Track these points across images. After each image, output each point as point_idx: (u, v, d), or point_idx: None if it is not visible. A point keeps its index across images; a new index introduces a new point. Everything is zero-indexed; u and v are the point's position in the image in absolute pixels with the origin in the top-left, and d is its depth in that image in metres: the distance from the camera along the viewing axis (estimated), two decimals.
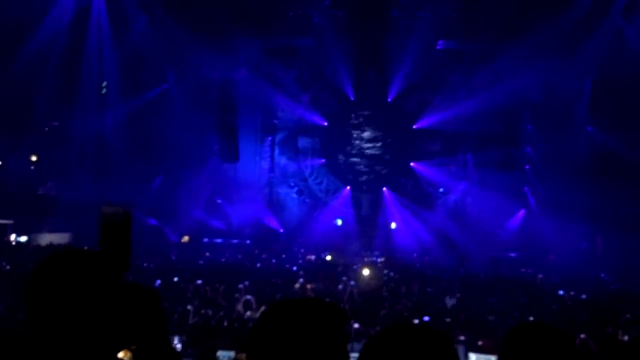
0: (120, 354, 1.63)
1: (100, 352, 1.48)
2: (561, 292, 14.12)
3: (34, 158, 22.46)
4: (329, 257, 19.86)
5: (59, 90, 20.53)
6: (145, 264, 15.67)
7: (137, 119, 22.50)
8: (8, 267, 14.16)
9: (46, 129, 22.17)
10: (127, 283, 1.53)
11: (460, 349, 8.13)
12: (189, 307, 10.11)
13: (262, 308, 10.09)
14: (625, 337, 8.73)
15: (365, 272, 15.90)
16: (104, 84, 22.89)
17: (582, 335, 8.40)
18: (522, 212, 23.78)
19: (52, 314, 1.44)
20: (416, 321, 9.62)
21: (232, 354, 7.58)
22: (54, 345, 1.44)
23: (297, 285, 13.46)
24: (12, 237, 20.49)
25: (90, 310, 1.44)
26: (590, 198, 21.01)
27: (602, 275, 18.44)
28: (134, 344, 1.52)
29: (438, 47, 23.99)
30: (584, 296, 13.73)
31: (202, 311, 10.12)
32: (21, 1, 18.56)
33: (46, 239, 20.49)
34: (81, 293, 1.45)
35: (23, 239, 20.59)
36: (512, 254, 22.70)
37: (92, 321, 1.45)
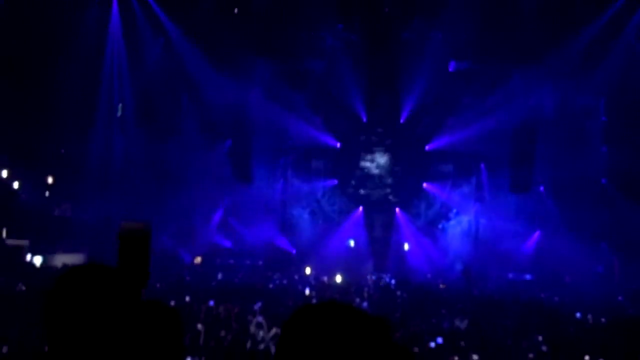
0: None
1: None
2: (578, 315, 13.89)
3: (50, 180, 22.72)
4: (338, 278, 19.79)
5: (76, 114, 20.87)
6: (158, 285, 15.68)
7: (152, 141, 22.74)
8: (24, 288, 14.27)
9: (62, 151, 22.46)
10: (147, 300, 1.54)
11: None
12: (199, 327, 10.07)
13: (274, 330, 10.03)
14: None
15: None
16: (120, 106, 23.23)
17: (601, 359, 8.26)
18: (537, 234, 23.53)
19: (70, 329, 1.44)
20: (432, 344, 9.52)
21: None
22: None
23: None
24: (28, 257, 20.66)
25: (109, 326, 1.45)
26: (607, 219, 20.77)
27: (620, 298, 18.12)
28: None
29: (450, 69, 24.09)
30: (603, 319, 13.49)
31: (215, 332, 10.09)
32: (40, 28, 18.99)
33: (60, 259, 20.62)
34: (100, 308, 1.45)
35: (38, 259, 20.74)
36: (528, 276, 22.41)
37: (111, 337, 1.45)
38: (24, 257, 20.55)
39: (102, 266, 1.51)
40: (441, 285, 20.61)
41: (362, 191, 26.09)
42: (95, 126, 21.89)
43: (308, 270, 22.27)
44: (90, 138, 22.02)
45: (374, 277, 21.54)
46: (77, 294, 1.46)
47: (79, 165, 21.63)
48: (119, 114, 23.35)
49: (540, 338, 10.54)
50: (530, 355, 9.08)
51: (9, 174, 21.26)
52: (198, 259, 24.03)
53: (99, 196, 20.82)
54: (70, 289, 1.47)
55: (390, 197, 25.90)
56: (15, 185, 21.38)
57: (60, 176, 22.47)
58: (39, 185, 22.22)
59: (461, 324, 12.27)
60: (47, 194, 22.53)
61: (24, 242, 20.71)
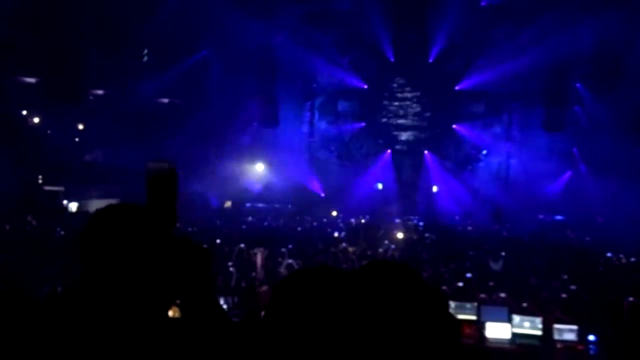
0: (170, 312, 1.66)
1: (151, 305, 1.51)
2: (609, 254, 13.78)
3: (80, 127, 23.06)
4: (365, 221, 19.98)
5: (102, 60, 20.88)
6: (190, 228, 16.05)
7: (178, 85, 22.74)
8: (62, 232, 14.76)
9: (91, 97, 22.67)
10: (178, 238, 1.55)
11: (504, 310, 8.09)
12: (231, 269, 10.32)
13: None
14: None
15: (399, 236, 15.93)
16: (145, 51, 23.15)
17: (631, 298, 8.20)
18: (567, 174, 23.12)
19: (104, 262, 1.48)
20: (460, 283, 9.58)
21: None
22: (106, 297, 1.47)
23: (336, 249, 13.55)
24: (64, 203, 21.27)
25: (142, 262, 1.47)
26: None
27: None
28: (182, 298, 1.55)
29: (482, 4, 23.16)
30: (632, 259, 13.36)
31: (246, 274, 10.33)
32: None
33: (95, 205, 21.18)
34: (134, 242, 1.47)
35: (73, 205, 21.34)
36: (559, 217, 22.20)
37: (144, 274, 1.48)
38: (60, 202, 21.16)
39: (136, 205, 1.55)
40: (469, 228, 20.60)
41: (390, 133, 25.83)
42: (121, 72, 21.90)
43: (334, 213, 22.46)
44: (117, 84, 22.12)
45: (401, 220, 21.59)
46: (112, 228, 1.49)
47: (107, 111, 21.84)
48: (145, 59, 23.30)
49: (565, 277, 10.52)
50: (563, 295, 9.08)
51: (40, 121, 21.65)
52: (228, 203, 24.42)
53: (129, 142, 21.09)
54: (105, 223, 1.51)
55: (419, 139, 25.61)
56: (48, 132, 21.80)
57: (90, 122, 22.78)
58: (70, 132, 22.61)
59: (495, 265, 12.26)
60: (77, 140, 22.94)
61: (60, 188, 21.27)
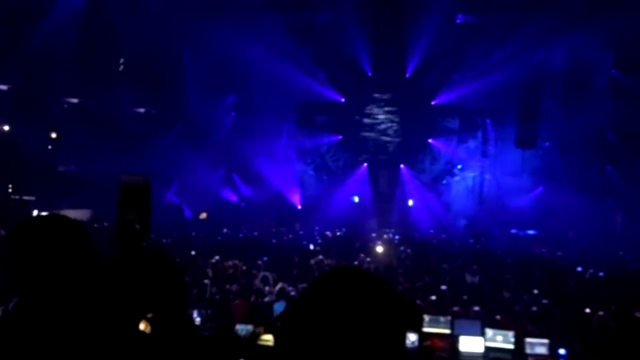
0: (141, 326, 1.64)
1: (119, 318, 1.49)
2: (579, 269, 14.02)
3: (53, 135, 22.65)
4: (338, 233, 20.06)
5: (78, 67, 20.62)
6: (164, 240, 15.86)
7: (155, 95, 22.56)
8: None
9: (65, 105, 22.33)
10: (148, 250, 1.54)
11: (477, 324, 8.16)
12: (205, 281, 10.22)
13: (280, 284, 10.15)
14: None
15: (379, 249, 15.94)
16: (121, 60, 22.94)
17: (601, 313, 8.35)
18: (539, 189, 23.54)
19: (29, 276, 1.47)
20: (433, 297, 9.64)
21: (250, 327, 7.69)
22: (71, 311, 1.46)
23: (313, 261, 13.52)
24: (35, 213, 20.81)
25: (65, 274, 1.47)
26: (612, 174, 20.71)
27: (621, 253, 18.23)
28: (152, 311, 1.53)
29: (457, 22, 23.58)
30: (601, 273, 13.62)
31: (221, 286, 10.24)
32: None
33: (67, 215, 20.70)
34: (49, 255, 1.47)
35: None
36: (531, 232, 22.54)
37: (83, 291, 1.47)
38: (31, 213, 20.68)
39: (64, 217, 1.56)
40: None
41: (366, 147, 26.00)
42: (97, 80, 21.66)
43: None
44: (93, 93, 21.86)
45: (377, 233, 21.66)
46: (33, 242, 1.49)
47: (82, 120, 21.52)
48: (121, 68, 23.09)
49: (536, 291, 10.66)
50: (534, 308, 9.21)
51: (11, 129, 21.22)
52: (203, 215, 24.21)
53: (103, 151, 20.79)
54: (25, 236, 1.51)
55: (395, 152, 25.82)
56: (19, 140, 21.35)
57: (64, 131, 22.40)
58: (43, 141, 22.19)
59: (472, 278, 12.37)
60: (50, 149, 22.52)
61: (30, 198, 20.83)
